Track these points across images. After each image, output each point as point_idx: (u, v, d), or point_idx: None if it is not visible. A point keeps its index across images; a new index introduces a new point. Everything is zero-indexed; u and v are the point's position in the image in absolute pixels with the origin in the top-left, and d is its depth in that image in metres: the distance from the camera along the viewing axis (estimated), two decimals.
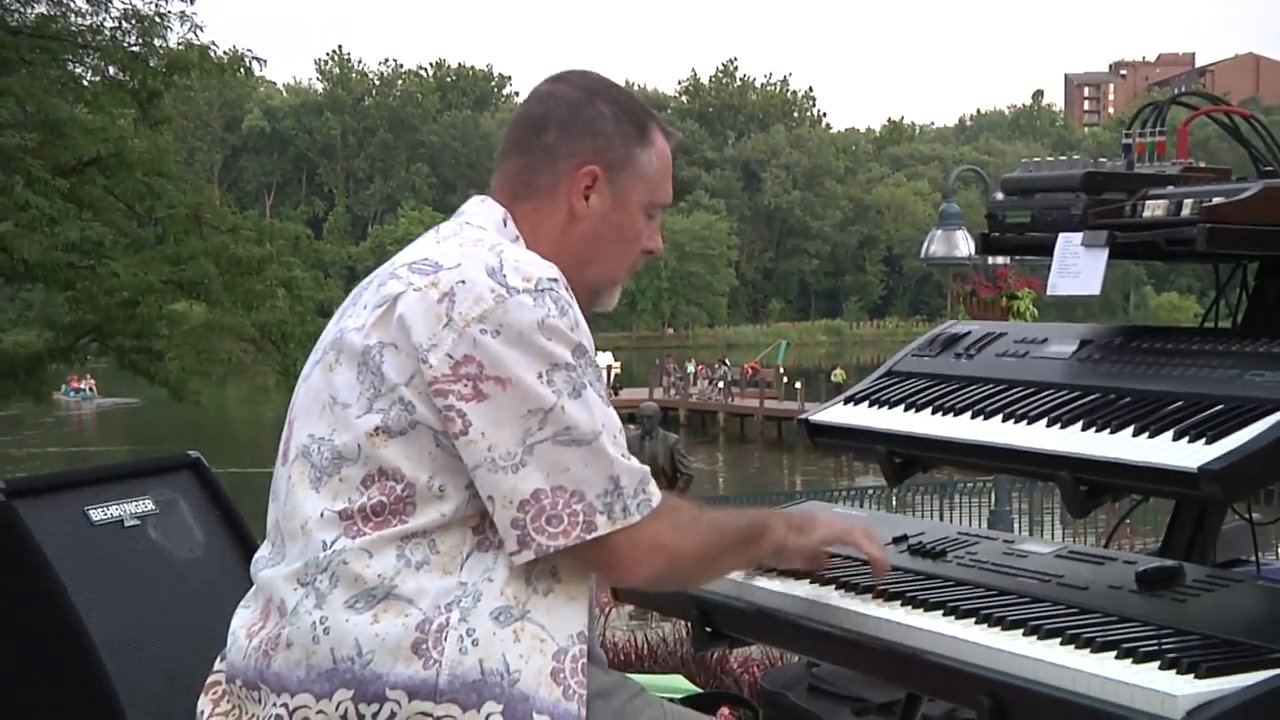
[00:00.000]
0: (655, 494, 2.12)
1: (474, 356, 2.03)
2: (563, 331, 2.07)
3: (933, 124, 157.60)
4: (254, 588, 2.26)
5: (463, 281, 2.07)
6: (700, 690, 4.59)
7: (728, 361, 56.96)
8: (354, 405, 2.09)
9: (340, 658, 2.03)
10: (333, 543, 2.07)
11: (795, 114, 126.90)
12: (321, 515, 2.09)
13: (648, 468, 2.14)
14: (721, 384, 53.65)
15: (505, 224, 2.26)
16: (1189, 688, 1.88)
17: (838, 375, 51.22)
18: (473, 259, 2.10)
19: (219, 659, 2.29)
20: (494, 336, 2.03)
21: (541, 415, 2.03)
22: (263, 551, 2.27)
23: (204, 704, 2.25)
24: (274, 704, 2.07)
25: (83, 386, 57.56)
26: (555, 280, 2.11)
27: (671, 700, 3.36)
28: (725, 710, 4.25)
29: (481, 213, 2.29)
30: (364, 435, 2.07)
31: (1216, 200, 2.40)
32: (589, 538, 2.06)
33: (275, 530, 2.22)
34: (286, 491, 2.18)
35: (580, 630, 2.13)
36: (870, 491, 18.28)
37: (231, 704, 2.18)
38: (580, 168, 2.28)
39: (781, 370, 55.86)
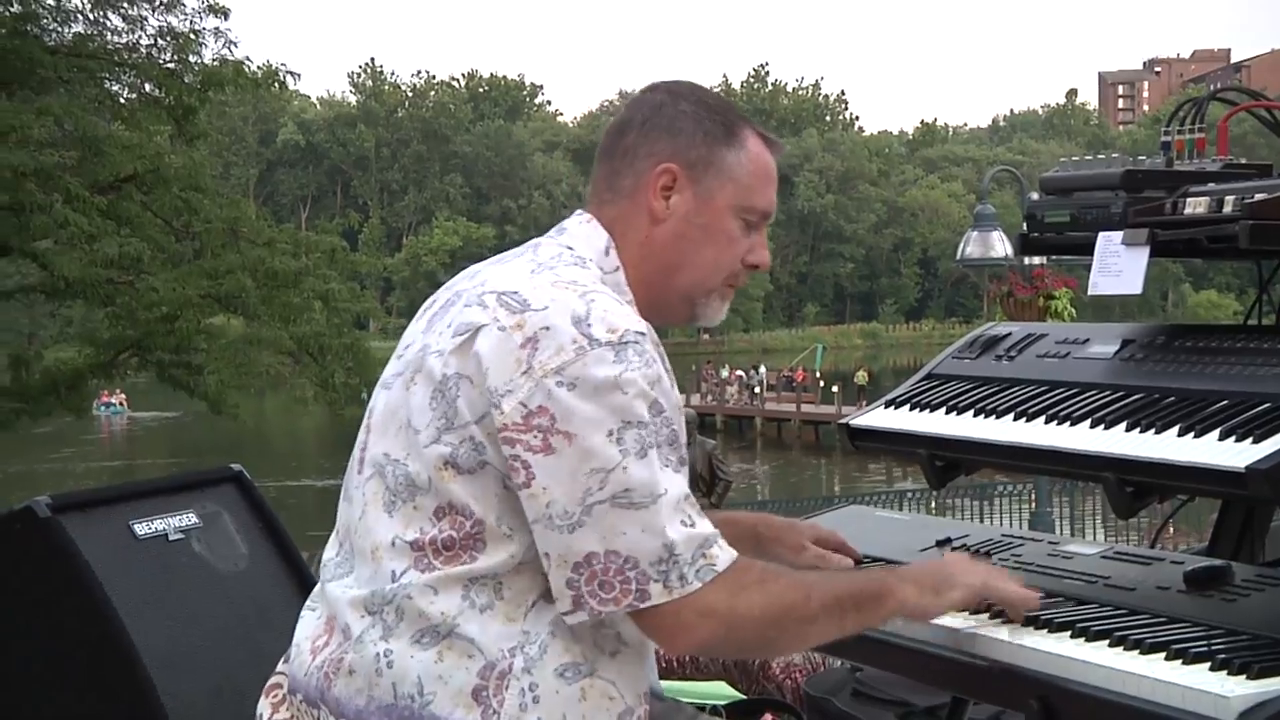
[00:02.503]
0: (721, 556, 2.00)
1: (548, 408, 1.96)
2: (641, 388, 1.98)
3: (966, 125, 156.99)
4: (320, 589, 2.21)
5: (547, 328, 1.99)
6: (744, 697, 4.58)
7: (763, 367, 56.93)
8: (423, 432, 2.04)
9: (401, 694, 2.00)
10: (402, 573, 2.03)
11: (827, 117, 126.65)
12: (393, 544, 2.05)
13: (714, 530, 2.03)
14: (757, 388, 53.60)
15: (608, 253, 2.18)
16: (1241, 689, 1.87)
17: (860, 377, 51.66)
18: (561, 304, 2.02)
19: (282, 660, 2.26)
20: (569, 390, 1.96)
21: (603, 475, 1.95)
22: (330, 554, 2.22)
23: (264, 706, 2.22)
24: None
25: (113, 401, 57.67)
26: (642, 334, 2.02)
27: (716, 707, 3.34)
28: (769, 716, 4.23)
29: (584, 237, 2.20)
30: (433, 468, 2.02)
31: (1259, 196, 2.38)
32: (641, 606, 1.97)
33: (346, 536, 2.18)
34: (361, 507, 2.13)
35: (647, 690, 2.10)
36: (910, 494, 18.23)
37: (291, 713, 2.15)
38: (657, 166, 2.19)
39: (818, 374, 55.84)
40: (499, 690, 1.98)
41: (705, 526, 2.01)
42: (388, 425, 2.12)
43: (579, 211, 2.26)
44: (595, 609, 1.97)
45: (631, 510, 1.95)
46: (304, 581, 3.56)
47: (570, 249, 2.17)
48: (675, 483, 1.99)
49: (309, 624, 2.20)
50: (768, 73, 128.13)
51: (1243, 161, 2.71)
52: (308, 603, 2.25)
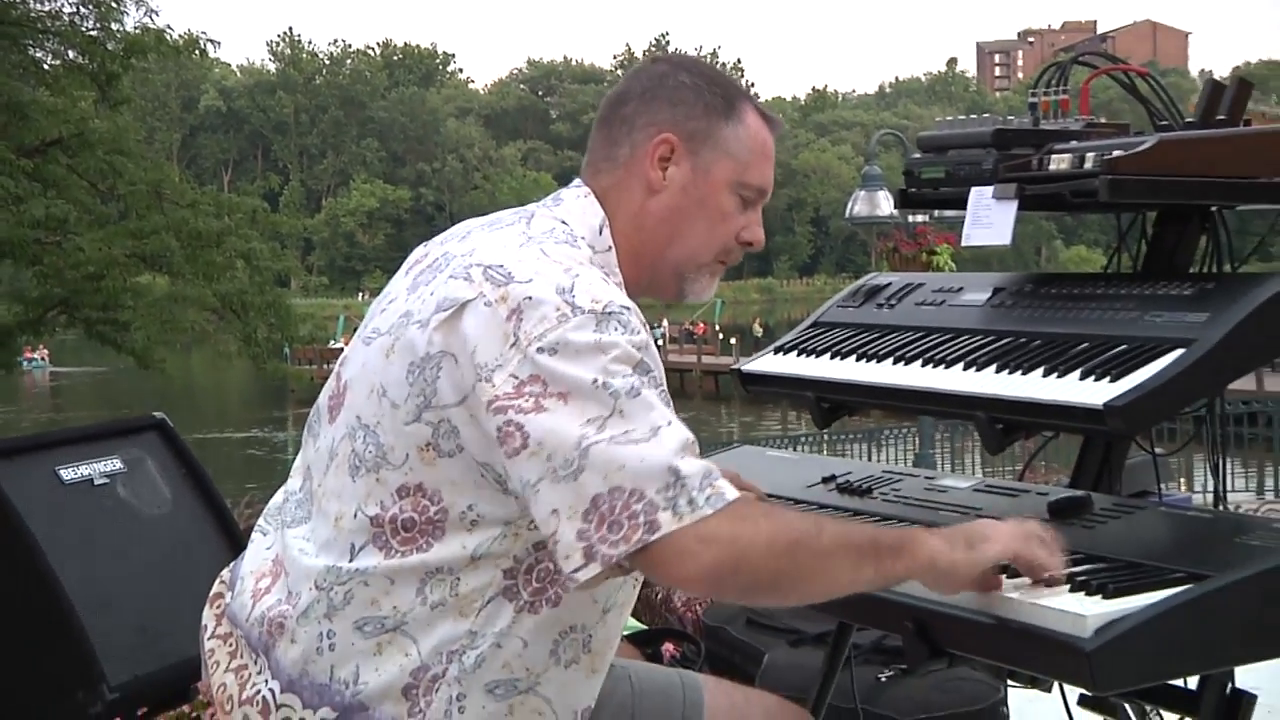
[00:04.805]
0: (727, 490, 1.85)
1: (539, 376, 1.83)
2: (625, 349, 1.86)
3: (854, 91, 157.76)
4: (278, 521, 2.12)
5: (530, 298, 1.87)
6: (646, 627, 4.61)
7: (665, 321, 57.10)
8: (402, 408, 1.92)
9: (336, 678, 1.93)
10: (360, 549, 1.94)
11: None
12: (355, 515, 1.95)
13: (715, 467, 1.88)
14: (659, 341, 53.77)
15: (601, 231, 2.08)
16: (1097, 608, 1.90)
17: (758, 329, 52.22)
18: (546, 274, 1.90)
19: (226, 568, 2.20)
20: (552, 355, 1.84)
21: (600, 421, 1.82)
22: (293, 485, 2.13)
23: (208, 617, 2.16)
24: (266, 681, 1.99)
25: (35, 356, 56.38)
26: (627, 308, 1.90)
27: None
28: (670, 645, 4.27)
29: (579, 212, 2.09)
30: (415, 448, 1.91)
31: (1116, 153, 2.41)
32: (652, 539, 1.80)
33: (309, 476, 2.09)
34: (329, 456, 2.03)
35: (589, 706, 2.03)
36: (803, 438, 18.38)
37: (230, 630, 2.09)
38: (655, 136, 2.09)
39: (718, 327, 56.12)
40: (428, 691, 1.91)
41: (710, 465, 1.88)
42: (363, 385, 2.00)
43: (576, 182, 2.15)
44: (607, 554, 1.81)
45: (631, 445, 1.82)
46: (226, 524, 3.54)
47: (564, 223, 2.05)
48: (676, 426, 1.86)
49: (258, 554, 2.12)
50: (669, 41, 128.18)
51: (1103, 121, 2.75)
52: (260, 523, 2.18)
